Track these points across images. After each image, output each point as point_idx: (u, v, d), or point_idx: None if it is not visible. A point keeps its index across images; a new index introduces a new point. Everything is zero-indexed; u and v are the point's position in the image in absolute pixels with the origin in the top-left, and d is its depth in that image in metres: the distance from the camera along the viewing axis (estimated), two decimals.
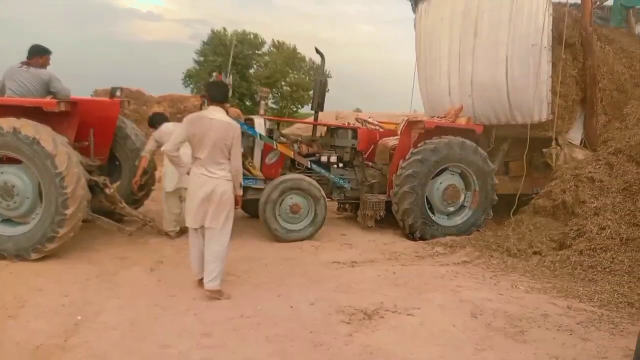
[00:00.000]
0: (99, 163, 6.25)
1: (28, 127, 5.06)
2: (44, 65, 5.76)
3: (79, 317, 3.95)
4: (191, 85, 38.21)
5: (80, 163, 5.40)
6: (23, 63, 5.62)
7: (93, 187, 5.91)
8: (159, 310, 4.17)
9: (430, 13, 9.34)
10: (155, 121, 6.77)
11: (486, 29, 7.77)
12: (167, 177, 6.28)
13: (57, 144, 5.11)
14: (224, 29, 38.83)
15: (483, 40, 7.81)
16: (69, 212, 5.11)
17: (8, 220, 5.38)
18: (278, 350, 3.61)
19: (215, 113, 4.41)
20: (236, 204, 4.61)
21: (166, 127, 6.38)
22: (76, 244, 5.82)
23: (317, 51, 7.15)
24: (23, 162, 5.17)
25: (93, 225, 6.61)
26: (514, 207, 7.25)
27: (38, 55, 5.72)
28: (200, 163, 4.39)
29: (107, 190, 5.98)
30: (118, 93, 6.37)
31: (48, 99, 5.49)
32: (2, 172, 5.24)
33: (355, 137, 7.40)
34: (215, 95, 4.56)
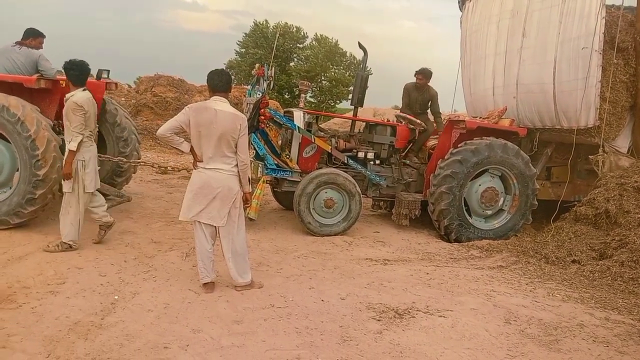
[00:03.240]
0: None
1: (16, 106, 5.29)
2: (37, 47, 5.96)
3: (116, 297, 4.06)
4: (232, 77, 38.62)
5: (50, 127, 5.48)
6: (17, 43, 5.85)
7: None
8: (192, 295, 4.25)
9: (477, 11, 9.16)
10: None
11: (535, 29, 7.56)
12: (89, 175, 5.05)
13: (39, 127, 5.28)
14: (266, 21, 39.08)
15: (531, 41, 7.60)
16: (41, 172, 5.24)
17: None
18: (307, 343, 3.63)
19: (220, 104, 4.16)
20: (245, 202, 4.38)
21: None
22: (115, 227, 5.97)
23: (360, 46, 7.11)
24: None
25: (133, 209, 6.82)
26: (555, 213, 7.05)
27: (32, 36, 5.96)
28: (204, 157, 4.17)
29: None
30: (104, 75, 6.46)
31: (29, 76, 5.61)
32: None
33: (394, 134, 7.33)
34: (217, 84, 4.23)
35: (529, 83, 7.60)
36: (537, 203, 7.16)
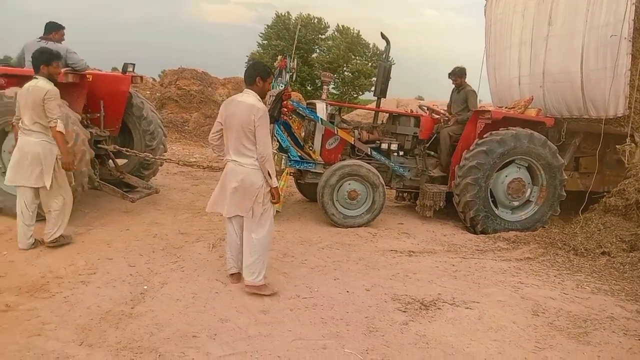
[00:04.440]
0: (108, 134, 6.48)
1: None
2: (59, 40, 6.07)
3: (145, 287, 4.14)
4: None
5: (78, 122, 5.57)
6: (41, 38, 5.96)
7: (102, 156, 6.43)
8: (219, 285, 4.31)
9: (502, 0, 9.00)
10: None
11: (561, 17, 7.39)
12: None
13: (68, 121, 5.29)
14: (288, 12, 38.99)
15: (557, 29, 7.44)
16: None
17: None
18: (333, 333, 3.65)
19: (244, 96, 4.12)
20: (272, 198, 4.17)
21: None
22: (143, 218, 6.09)
23: (383, 36, 7.06)
24: None
25: (160, 201, 6.93)
26: (584, 204, 6.92)
27: (54, 30, 6.06)
28: (229, 149, 4.16)
29: (110, 161, 6.58)
30: (130, 69, 6.55)
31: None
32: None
33: (417, 125, 7.28)
34: (245, 77, 4.23)
35: (555, 72, 7.45)
36: (565, 194, 7.04)
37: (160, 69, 16.55)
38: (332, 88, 39.34)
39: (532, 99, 7.49)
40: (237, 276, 4.40)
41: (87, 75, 6.03)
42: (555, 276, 5.26)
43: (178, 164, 7.25)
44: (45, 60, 4.60)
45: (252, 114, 3.96)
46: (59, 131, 4.58)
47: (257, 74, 4.11)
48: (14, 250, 4.69)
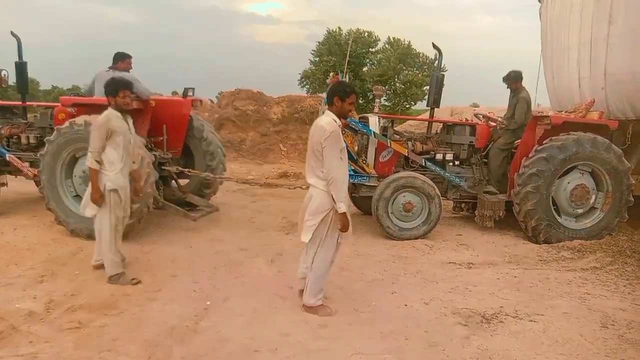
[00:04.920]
0: (171, 156, 6.74)
1: None
2: (126, 68, 6.44)
3: (208, 303, 4.29)
4: (307, 86, 39.26)
5: (143, 145, 5.84)
6: (110, 67, 6.33)
7: (166, 177, 6.70)
8: (279, 300, 4.39)
9: (558, 0, 8.74)
10: None
11: (622, 15, 7.08)
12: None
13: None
14: (339, 28, 39.36)
15: (619, 27, 7.13)
16: (135, 206, 5.46)
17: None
18: (392, 347, 3.64)
19: (322, 117, 4.06)
20: (340, 226, 3.92)
21: None
22: (205, 235, 6.31)
23: (435, 46, 7.02)
24: None
25: (221, 218, 7.16)
26: None
27: (121, 60, 6.43)
28: (307, 172, 4.15)
29: (173, 181, 6.84)
30: (190, 93, 6.80)
31: None
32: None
33: (473, 133, 7.16)
34: (326, 98, 4.17)
35: (618, 72, 7.13)
36: (632, 199, 6.70)
37: (218, 90, 17.13)
38: (384, 100, 39.29)
39: (594, 101, 7.20)
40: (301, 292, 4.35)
41: (150, 101, 6.36)
42: (624, 286, 5.01)
43: (237, 182, 7.46)
44: (111, 91, 4.61)
45: (320, 134, 3.89)
46: (89, 166, 4.52)
47: (335, 94, 4.01)
48: (86, 269, 4.98)
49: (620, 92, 7.16)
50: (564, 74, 8.41)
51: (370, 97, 34.99)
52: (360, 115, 7.21)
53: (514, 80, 7.33)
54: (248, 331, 3.80)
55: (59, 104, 6.44)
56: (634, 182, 6.77)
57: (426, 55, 37.30)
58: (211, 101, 19.52)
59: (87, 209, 4.68)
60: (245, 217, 7.42)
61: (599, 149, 6.53)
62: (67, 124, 5.87)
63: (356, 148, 6.91)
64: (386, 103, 38.88)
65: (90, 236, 5.82)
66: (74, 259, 5.34)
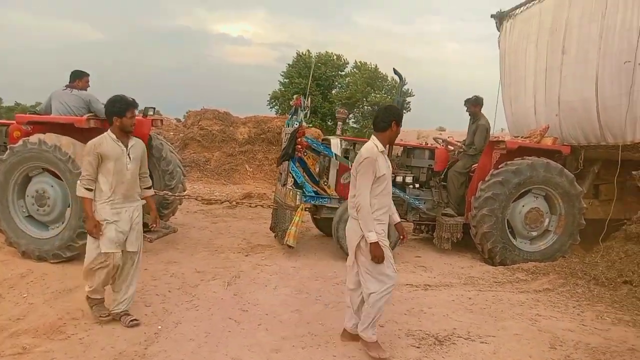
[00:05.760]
0: None
1: (67, 145, 5.59)
2: (84, 87, 6.32)
3: (159, 327, 4.19)
4: (276, 107, 39.36)
5: None
6: (67, 86, 6.21)
7: None
8: (232, 324, 4.33)
9: (515, 30, 9.08)
10: None
11: (575, 45, 7.41)
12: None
13: (76, 145, 5.54)
14: (308, 51, 39.78)
15: (571, 57, 7.45)
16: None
17: (39, 223, 5.91)
18: None
19: (367, 143, 3.88)
20: (372, 255, 3.70)
21: None
22: (161, 257, 6.19)
23: (396, 72, 7.17)
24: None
25: (179, 240, 7.04)
26: (603, 232, 6.78)
27: (78, 78, 6.30)
28: None
29: None
30: (150, 112, 6.74)
31: (81, 117, 5.91)
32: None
33: (432, 157, 7.30)
34: (377, 122, 3.89)
35: (571, 100, 7.42)
36: (584, 222, 6.92)
37: (186, 110, 16.99)
38: (352, 122, 39.69)
39: (548, 127, 7.46)
40: (344, 334, 4.13)
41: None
42: (574, 307, 5.14)
43: (196, 199, 7.38)
44: (117, 111, 4.06)
45: (357, 160, 3.80)
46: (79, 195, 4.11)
47: (392, 117, 3.80)
48: (34, 292, 4.81)
49: (573, 118, 7.43)
50: (521, 100, 8.70)
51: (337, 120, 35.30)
52: (323, 138, 7.28)
53: (473, 104, 7.52)
54: (198, 356, 3.72)
55: (14, 122, 6.30)
56: (585, 205, 6.99)
57: (394, 79, 37.98)
58: (177, 120, 19.38)
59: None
60: (204, 239, 7.33)
61: (552, 173, 6.74)
62: (20, 142, 5.72)
63: (317, 170, 6.94)
64: (355, 125, 39.32)
65: (41, 257, 5.68)
66: (23, 281, 5.15)
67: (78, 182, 4.07)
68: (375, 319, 3.84)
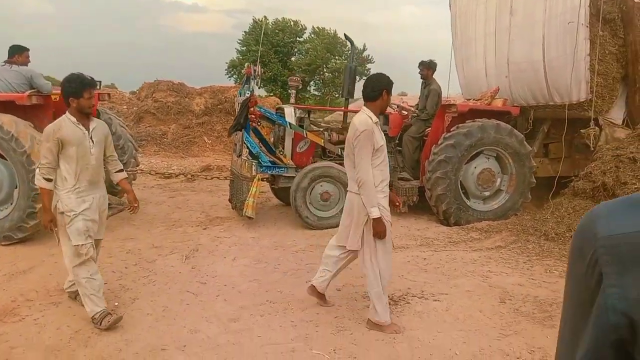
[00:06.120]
0: None
1: (9, 124, 5.39)
2: (24, 62, 6.08)
3: (116, 304, 4.17)
4: (235, 76, 38.68)
5: None
6: (5, 62, 5.98)
7: None
8: (190, 297, 4.35)
9: None
10: None
11: (521, 7, 7.53)
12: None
13: (33, 142, 5.37)
14: (265, 17, 39.09)
15: (519, 19, 7.57)
16: (38, 206, 5.28)
17: None
18: (302, 335, 3.71)
19: (357, 115, 3.81)
20: (374, 232, 3.66)
21: None
22: (117, 234, 6.11)
23: (347, 37, 7.15)
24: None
25: (135, 216, 6.90)
26: (553, 189, 7.04)
27: (18, 53, 6.05)
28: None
29: None
30: (97, 87, 6.58)
31: (22, 93, 5.72)
32: None
33: (386, 123, 7.36)
34: (367, 93, 3.77)
35: (519, 61, 7.58)
36: (535, 181, 7.16)
37: (140, 83, 16.46)
38: (314, 89, 39.50)
39: (498, 89, 7.60)
40: (311, 287, 4.18)
41: (53, 96, 6.04)
42: (524, 262, 5.36)
43: (150, 174, 7.26)
44: (73, 92, 3.72)
45: (352, 134, 3.66)
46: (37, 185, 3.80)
47: (383, 86, 3.72)
48: None
49: (522, 79, 7.61)
50: (472, 63, 8.82)
51: (299, 87, 35.09)
52: (276, 107, 7.22)
53: (427, 67, 7.56)
54: (156, 330, 3.74)
55: None
56: (535, 164, 7.23)
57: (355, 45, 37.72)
58: (131, 93, 18.80)
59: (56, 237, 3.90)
60: (161, 214, 7.24)
61: (502, 134, 6.91)
62: None
63: (272, 139, 6.91)
64: (316, 93, 39.14)
65: (4, 238, 5.51)
66: None
67: (36, 170, 3.73)
68: (380, 299, 3.78)
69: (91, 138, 3.81)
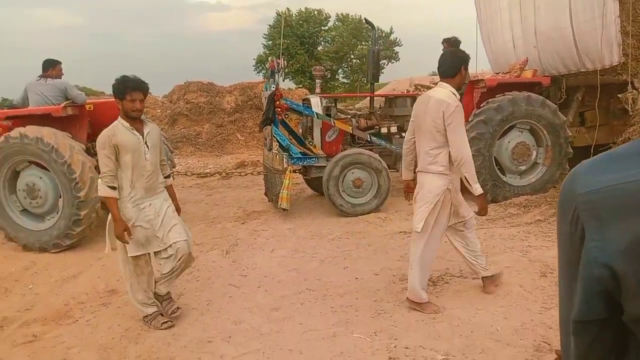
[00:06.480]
0: None
1: (49, 136, 5.61)
2: (58, 75, 6.33)
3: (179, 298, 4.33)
4: (263, 71, 38.92)
5: (83, 151, 5.81)
6: (40, 76, 6.22)
7: None
8: (232, 289, 4.48)
9: None
10: None
11: None
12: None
13: (72, 152, 5.60)
14: (288, 9, 39.08)
15: None
16: (82, 194, 5.58)
17: (34, 216, 6.03)
18: (342, 320, 3.78)
19: (437, 90, 3.69)
20: (478, 210, 3.74)
21: None
22: None
23: (367, 21, 7.12)
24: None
25: None
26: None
27: (51, 67, 6.30)
28: (419, 155, 3.80)
29: None
30: None
31: (58, 106, 5.94)
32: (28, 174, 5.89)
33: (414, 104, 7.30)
34: (439, 68, 3.71)
35: (546, 30, 7.36)
36: (571, 151, 6.98)
37: (172, 84, 16.77)
38: (342, 77, 39.37)
39: (527, 60, 7.42)
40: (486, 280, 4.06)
41: (87, 105, 6.28)
42: None
43: (186, 175, 7.46)
44: (117, 93, 3.61)
45: (442, 109, 3.50)
46: (100, 195, 3.66)
47: (462, 62, 3.65)
48: (39, 283, 4.96)
49: (551, 48, 7.38)
50: (499, 36, 8.61)
51: (329, 75, 35.02)
52: (303, 98, 7.27)
53: (451, 44, 7.41)
54: (201, 323, 3.87)
55: None
56: (571, 134, 7.04)
57: (380, 29, 37.39)
58: (165, 97, 19.20)
59: (107, 245, 3.83)
60: (200, 212, 7.43)
61: (534, 106, 6.75)
62: (2, 138, 5.77)
63: (301, 130, 6.98)
64: (345, 80, 39.00)
65: (42, 249, 5.81)
66: (27, 273, 5.30)
67: (99, 180, 3.60)
68: (427, 277, 3.84)
69: (146, 143, 3.66)
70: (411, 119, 3.88)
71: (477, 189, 3.60)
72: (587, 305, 0.70)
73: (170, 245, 3.79)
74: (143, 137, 3.65)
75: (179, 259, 3.84)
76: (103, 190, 3.55)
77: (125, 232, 3.52)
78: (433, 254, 3.88)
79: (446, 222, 3.80)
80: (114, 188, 3.54)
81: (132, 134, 3.60)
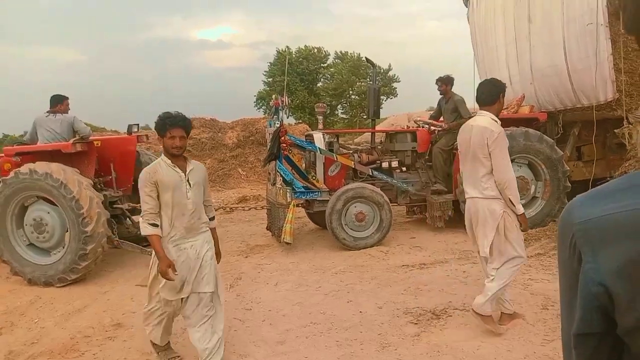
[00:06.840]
0: (122, 193, 6.77)
1: (58, 171, 5.73)
2: (65, 110, 6.49)
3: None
4: (263, 107, 39.52)
5: (90, 186, 5.92)
6: (49, 112, 6.38)
7: (119, 216, 6.63)
8: (237, 323, 4.51)
9: (482, 4, 9.23)
10: None
11: (540, 13, 7.58)
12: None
13: (81, 187, 5.71)
14: (287, 47, 39.97)
15: (537, 25, 7.62)
16: (89, 229, 5.66)
17: (41, 250, 6.09)
18: (347, 354, 3.81)
19: (478, 118, 3.85)
20: (520, 225, 3.88)
21: None
22: None
23: (367, 60, 7.34)
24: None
25: None
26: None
27: (59, 102, 6.46)
28: (467, 182, 3.97)
29: (127, 219, 6.70)
30: (134, 129, 6.92)
31: (67, 142, 6.08)
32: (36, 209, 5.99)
33: (414, 139, 7.47)
34: (479, 97, 3.87)
35: (542, 67, 7.59)
36: (570, 185, 7.09)
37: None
38: (342, 113, 39.93)
39: (524, 96, 7.63)
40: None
41: (95, 142, 6.42)
42: None
43: None
44: (158, 130, 3.52)
45: (486, 137, 3.66)
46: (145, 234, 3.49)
47: (500, 90, 3.84)
48: (45, 316, 4.98)
49: (547, 85, 7.61)
50: (496, 73, 8.79)
51: (328, 111, 35.55)
52: (305, 134, 7.44)
53: (445, 82, 7.56)
54: None
55: (2, 155, 6.46)
56: (568, 168, 7.17)
57: (379, 66, 38.14)
58: None
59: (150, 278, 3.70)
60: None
61: (532, 140, 6.90)
62: (12, 174, 5.88)
63: (304, 165, 7.11)
64: (344, 116, 39.54)
65: (48, 283, 5.84)
66: (33, 307, 5.32)
67: (140, 219, 3.50)
68: (495, 294, 3.90)
69: (188, 181, 3.51)
70: (458, 150, 4.07)
71: (520, 209, 3.81)
72: (585, 319, 0.79)
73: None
74: (185, 174, 3.52)
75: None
76: (147, 230, 3.42)
77: (170, 269, 3.36)
78: (516, 269, 4.01)
79: (515, 234, 3.88)
80: (155, 225, 3.42)
81: (174, 171, 3.48)
